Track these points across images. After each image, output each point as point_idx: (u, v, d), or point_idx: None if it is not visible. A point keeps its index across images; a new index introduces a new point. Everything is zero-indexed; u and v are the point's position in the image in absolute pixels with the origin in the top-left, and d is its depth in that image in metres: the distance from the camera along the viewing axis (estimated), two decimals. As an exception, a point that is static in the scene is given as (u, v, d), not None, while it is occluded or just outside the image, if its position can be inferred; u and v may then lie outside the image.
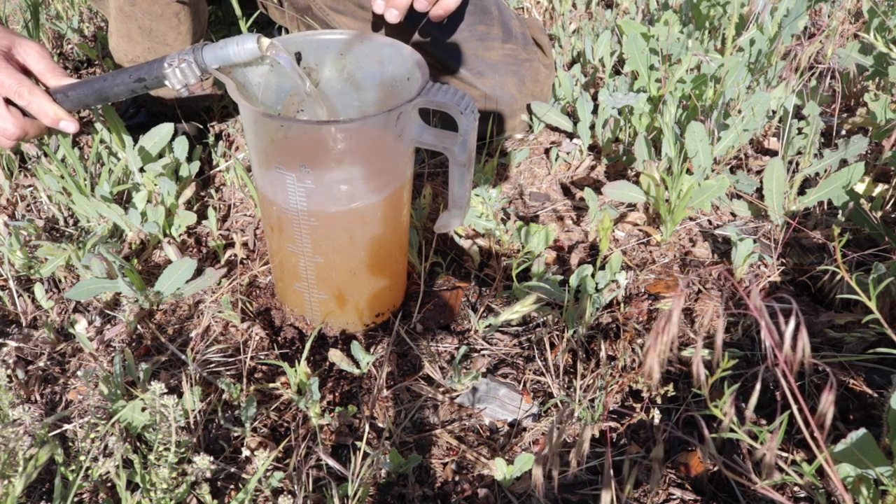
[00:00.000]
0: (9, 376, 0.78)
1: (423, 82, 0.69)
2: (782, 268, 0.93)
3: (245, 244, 1.00)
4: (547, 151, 1.20)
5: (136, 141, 1.05)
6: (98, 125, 1.05)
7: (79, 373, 0.81)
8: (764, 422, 0.74)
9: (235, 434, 0.74)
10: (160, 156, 1.07)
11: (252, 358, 0.82)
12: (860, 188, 1.01)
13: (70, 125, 0.85)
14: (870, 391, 0.76)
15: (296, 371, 0.75)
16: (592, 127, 1.17)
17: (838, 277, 0.86)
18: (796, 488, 0.68)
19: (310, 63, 0.78)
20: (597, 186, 1.10)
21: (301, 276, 0.80)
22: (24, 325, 0.89)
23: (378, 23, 1.05)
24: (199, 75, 0.77)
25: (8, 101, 0.83)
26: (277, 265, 0.84)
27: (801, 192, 1.02)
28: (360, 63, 0.79)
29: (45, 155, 1.12)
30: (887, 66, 1.15)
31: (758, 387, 0.48)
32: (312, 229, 0.74)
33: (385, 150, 0.71)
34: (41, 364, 0.83)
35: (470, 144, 0.72)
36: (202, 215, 1.06)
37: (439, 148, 0.73)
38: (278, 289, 0.88)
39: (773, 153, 1.16)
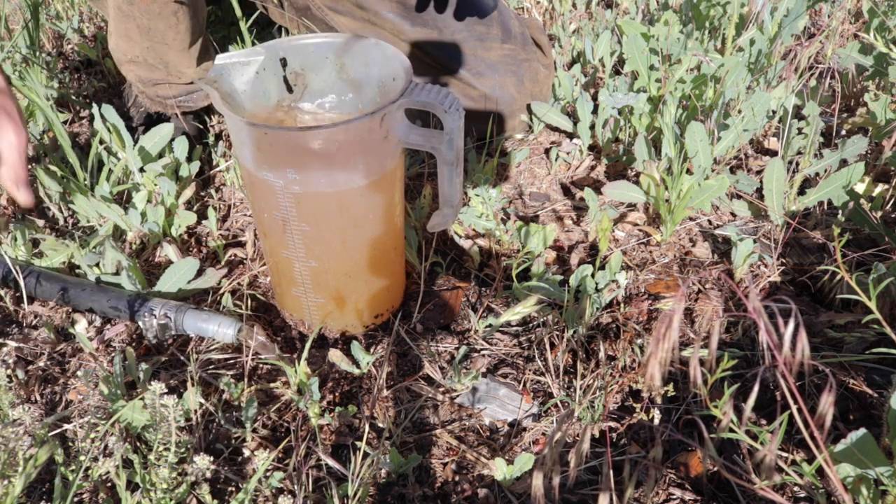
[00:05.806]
0: (9, 376, 0.78)
1: (406, 83, 0.69)
2: (782, 268, 0.93)
3: (245, 244, 1.00)
4: (547, 151, 1.20)
5: (136, 141, 1.05)
6: (98, 125, 1.05)
7: (79, 373, 0.81)
8: (764, 422, 0.74)
9: (235, 434, 0.74)
10: (160, 156, 1.07)
11: (252, 358, 0.82)
12: (860, 188, 1.01)
13: (26, 197, 0.75)
14: (870, 391, 0.76)
15: (296, 371, 0.75)
16: (592, 127, 1.17)
17: (838, 277, 0.86)
18: (796, 488, 0.68)
19: (296, 68, 0.78)
20: (597, 186, 1.10)
21: (297, 280, 0.80)
22: (24, 325, 0.89)
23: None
24: (173, 335, 0.83)
25: None
26: (274, 270, 0.84)
27: (801, 192, 1.02)
28: (346, 66, 0.79)
29: (45, 155, 1.12)
30: (887, 66, 1.15)
31: (756, 387, 0.48)
32: (304, 234, 0.74)
33: (372, 152, 0.71)
34: (41, 364, 0.83)
35: (457, 143, 0.71)
36: (202, 215, 1.06)
37: (427, 147, 0.72)
38: (276, 294, 0.88)
39: (773, 153, 1.16)
